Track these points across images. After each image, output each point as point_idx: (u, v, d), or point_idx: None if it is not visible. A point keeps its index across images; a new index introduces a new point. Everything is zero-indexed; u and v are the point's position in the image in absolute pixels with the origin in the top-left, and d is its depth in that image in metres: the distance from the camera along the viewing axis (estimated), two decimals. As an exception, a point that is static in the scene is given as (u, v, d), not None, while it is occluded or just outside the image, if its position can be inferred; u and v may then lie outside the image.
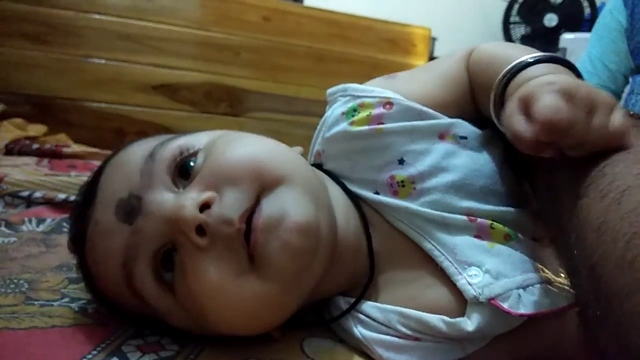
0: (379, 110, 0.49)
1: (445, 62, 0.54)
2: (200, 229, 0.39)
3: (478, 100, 0.51)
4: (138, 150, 0.45)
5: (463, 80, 0.52)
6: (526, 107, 0.37)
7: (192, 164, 0.43)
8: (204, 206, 0.40)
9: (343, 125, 0.50)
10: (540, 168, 0.46)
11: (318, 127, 0.54)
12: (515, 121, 0.37)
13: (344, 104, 0.51)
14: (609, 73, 1.47)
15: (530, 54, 0.44)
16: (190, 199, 0.40)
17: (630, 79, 1.45)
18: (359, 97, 0.51)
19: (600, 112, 0.36)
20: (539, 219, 0.49)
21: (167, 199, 0.41)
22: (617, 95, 1.47)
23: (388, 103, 0.49)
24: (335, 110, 0.52)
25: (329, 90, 0.54)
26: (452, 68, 0.53)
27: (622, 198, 0.34)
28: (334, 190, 0.50)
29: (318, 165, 0.53)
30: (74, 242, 0.48)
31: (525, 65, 0.43)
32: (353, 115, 0.50)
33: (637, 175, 0.35)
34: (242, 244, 0.40)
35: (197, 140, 0.46)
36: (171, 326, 0.45)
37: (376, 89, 0.51)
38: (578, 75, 0.44)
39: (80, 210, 0.47)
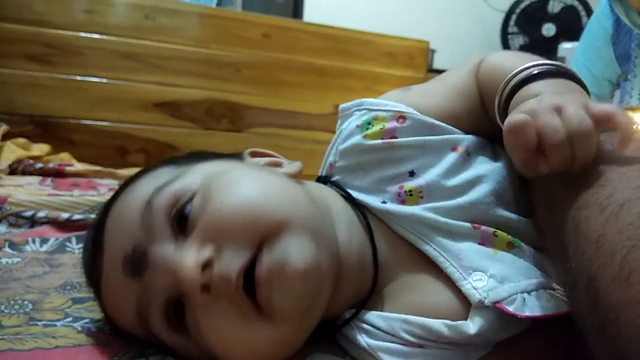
0: (392, 124, 0.50)
1: (457, 74, 0.55)
2: (205, 287, 0.40)
3: (488, 109, 0.52)
4: (136, 198, 0.45)
5: (473, 91, 0.53)
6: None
7: (188, 209, 0.43)
8: (205, 265, 0.40)
9: (357, 138, 0.51)
10: (539, 181, 0.47)
11: (333, 139, 0.55)
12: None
13: (359, 118, 0.52)
14: (593, 79, 1.48)
15: (534, 61, 0.46)
16: (191, 259, 0.40)
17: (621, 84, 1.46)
18: (373, 110, 0.52)
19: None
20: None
21: (169, 252, 0.42)
22: (603, 99, 1.48)
23: (401, 117, 0.50)
24: (351, 123, 0.53)
25: (344, 105, 0.55)
26: (463, 80, 0.54)
27: (620, 211, 0.34)
28: (338, 205, 0.50)
29: (326, 178, 0.54)
30: (89, 286, 0.49)
31: (530, 77, 0.45)
32: (367, 129, 0.51)
33: (635, 188, 0.35)
34: (243, 297, 0.40)
35: (192, 181, 0.45)
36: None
37: (390, 102, 0.52)
38: (580, 84, 0.45)
39: (89, 260, 0.48)
